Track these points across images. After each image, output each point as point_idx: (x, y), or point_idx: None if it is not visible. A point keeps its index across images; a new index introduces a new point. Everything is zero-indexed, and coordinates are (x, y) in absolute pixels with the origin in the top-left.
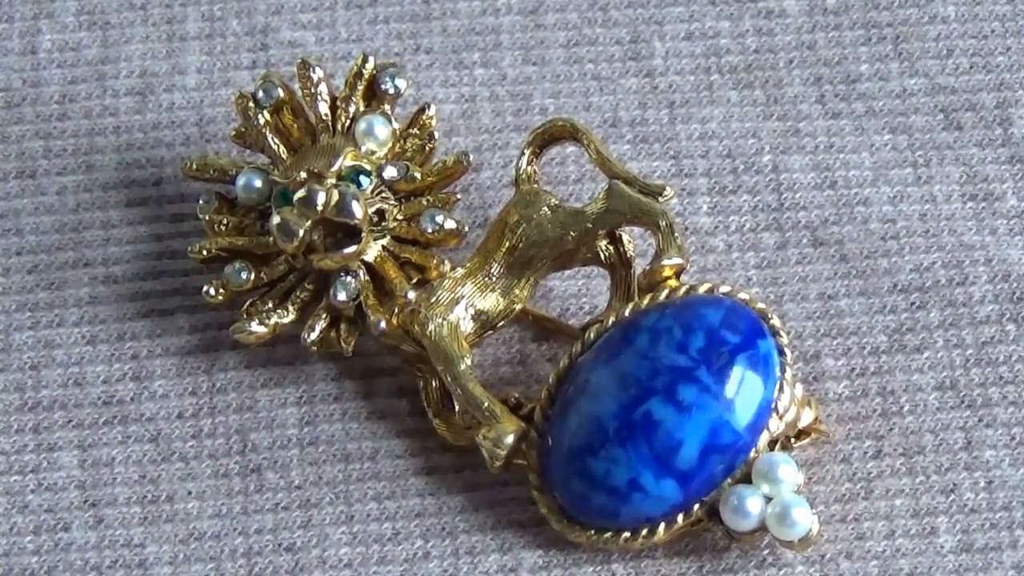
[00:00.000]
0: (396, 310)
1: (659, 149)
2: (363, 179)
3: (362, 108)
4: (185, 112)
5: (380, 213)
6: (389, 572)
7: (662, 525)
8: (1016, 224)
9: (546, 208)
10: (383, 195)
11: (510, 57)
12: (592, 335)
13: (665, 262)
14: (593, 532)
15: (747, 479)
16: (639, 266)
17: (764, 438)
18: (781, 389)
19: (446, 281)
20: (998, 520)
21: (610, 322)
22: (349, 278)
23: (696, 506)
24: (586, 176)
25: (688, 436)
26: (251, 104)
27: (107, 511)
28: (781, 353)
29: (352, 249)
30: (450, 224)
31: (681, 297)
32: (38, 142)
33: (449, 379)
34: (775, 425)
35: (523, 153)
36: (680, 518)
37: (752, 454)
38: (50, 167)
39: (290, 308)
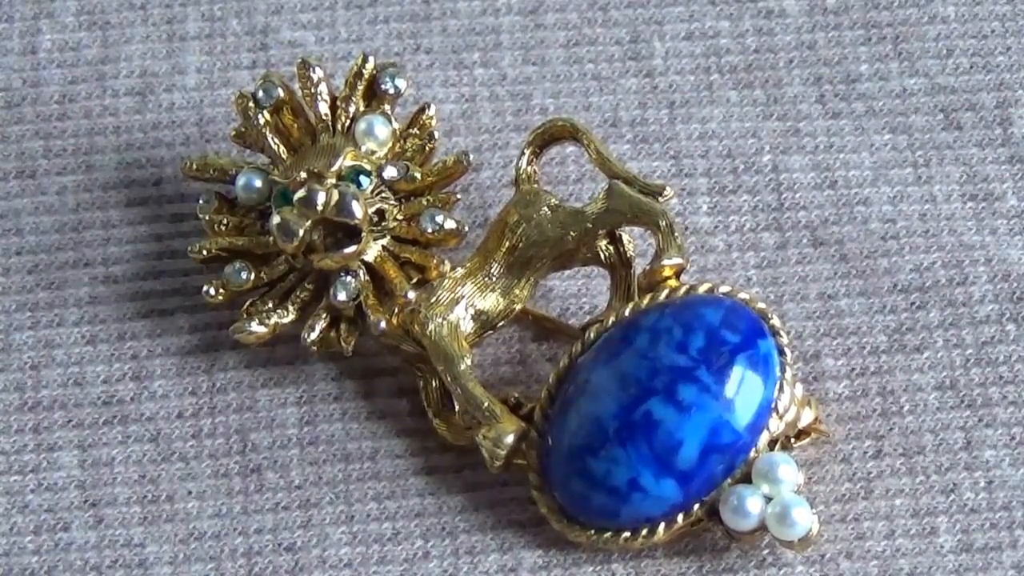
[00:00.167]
0: (396, 310)
1: (659, 149)
2: (363, 179)
3: (362, 108)
4: (185, 112)
5: (380, 213)
6: (389, 572)
7: (662, 525)
8: (1016, 224)
9: (546, 208)
10: (383, 195)
11: (510, 57)
12: (592, 335)
13: (665, 262)
14: (593, 532)
15: (747, 479)
16: (639, 266)
17: (764, 438)
18: (781, 389)
19: (446, 281)
20: (998, 520)
21: (610, 322)
22: (349, 278)
23: (696, 506)
24: (586, 176)
25: (688, 436)
26: (251, 104)
27: (107, 511)
28: (781, 353)
29: (352, 249)
30: (450, 224)
31: (681, 297)
32: (38, 142)
33: (449, 379)
34: (775, 425)
35: (523, 153)
36: (680, 518)
37: (752, 454)
38: (50, 167)
39: (290, 308)
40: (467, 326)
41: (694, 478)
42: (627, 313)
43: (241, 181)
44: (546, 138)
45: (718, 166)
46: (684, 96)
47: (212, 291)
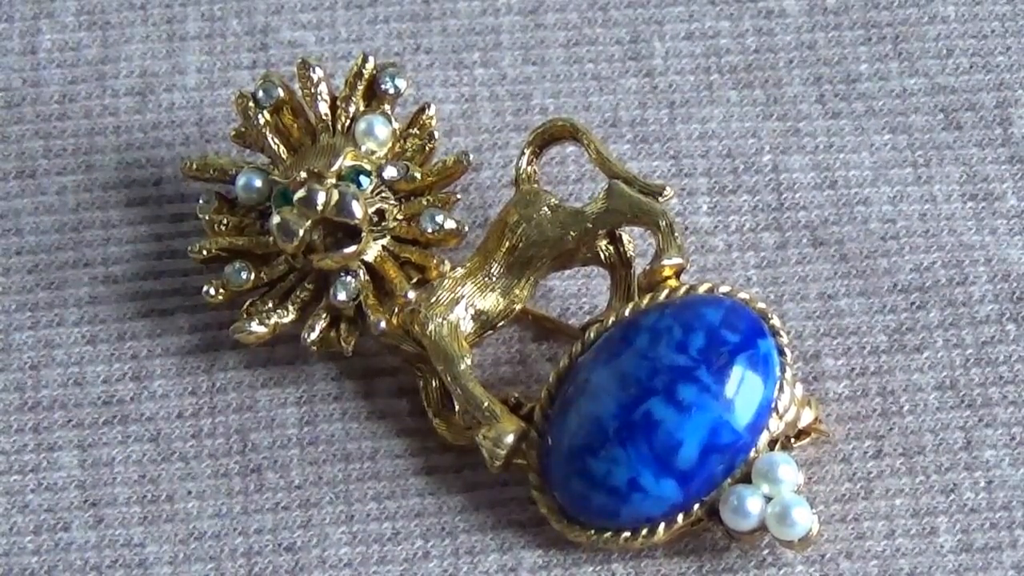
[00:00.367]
0: (396, 310)
1: (659, 149)
2: (363, 179)
3: (362, 108)
4: (185, 112)
5: (380, 213)
6: (389, 572)
7: (662, 525)
8: (1016, 224)
9: (546, 208)
10: (383, 195)
11: (510, 57)
12: (592, 335)
13: (665, 262)
14: (593, 532)
15: (747, 479)
16: (639, 266)
17: (764, 438)
18: (781, 389)
19: (446, 281)
20: (998, 520)
21: (610, 322)
22: (349, 278)
23: (696, 506)
24: (586, 176)
25: (688, 436)
26: (251, 104)
27: (107, 511)
28: (781, 353)
29: (352, 249)
30: (450, 224)
31: (681, 297)
32: (38, 142)
33: (449, 379)
34: (775, 425)
35: (523, 153)
36: (680, 518)
37: (752, 454)
38: (50, 167)
39: (290, 308)
40: (467, 326)
41: (694, 478)
42: (627, 313)
43: (241, 181)
44: (546, 138)
45: (718, 166)
46: (684, 96)
47: (212, 291)
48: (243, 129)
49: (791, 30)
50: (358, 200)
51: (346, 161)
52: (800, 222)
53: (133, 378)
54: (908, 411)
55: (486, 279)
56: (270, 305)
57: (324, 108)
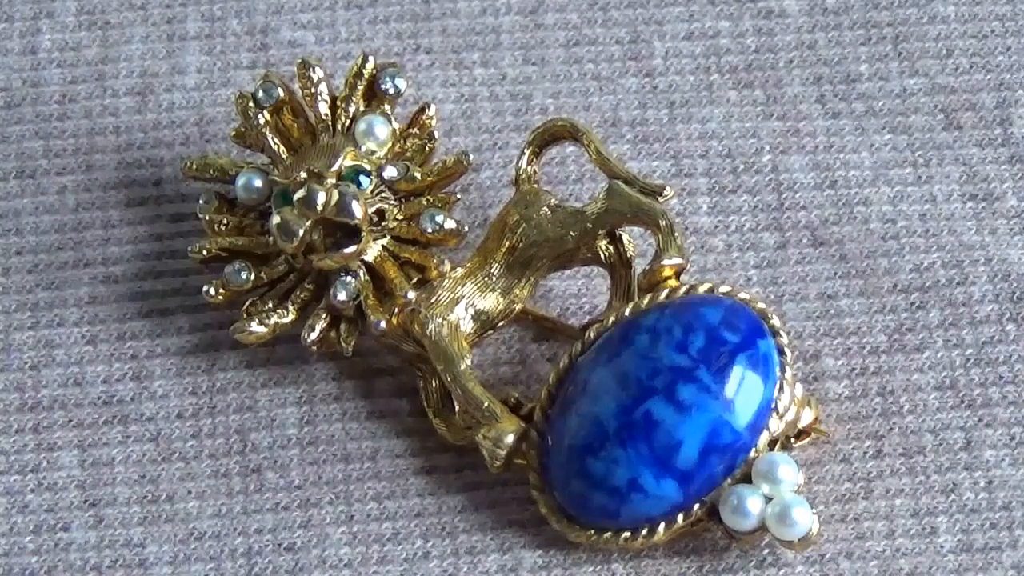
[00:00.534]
0: (396, 310)
1: (659, 149)
2: (363, 179)
3: (362, 108)
4: (185, 112)
5: (380, 213)
6: (389, 572)
7: (662, 525)
8: (1016, 224)
9: (546, 208)
10: (383, 195)
11: (510, 57)
12: (592, 335)
13: (665, 262)
14: (593, 532)
15: (747, 479)
16: (639, 266)
17: (764, 438)
18: (781, 389)
19: (446, 281)
20: (998, 520)
21: (610, 322)
22: (349, 278)
23: (696, 506)
24: (586, 176)
25: (688, 436)
26: (251, 104)
27: (107, 511)
28: (781, 353)
29: (352, 249)
30: (450, 224)
31: (681, 297)
32: (38, 142)
33: (449, 379)
34: (775, 425)
35: (523, 153)
36: (680, 518)
37: (752, 454)
38: (50, 167)
39: (290, 308)
40: (467, 326)
41: (694, 478)
42: (627, 313)
43: (241, 181)
44: (546, 138)
45: (718, 166)
46: (684, 96)
47: (212, 291)
48: (243, 129)
49: (791, 30)
50: (358, 200)
51: (346, 161)
52: (800, 222)
53: (133, 378)
54: (908, 411)
55: (486, 279)
56: (270, 305)
57: (324, 108)
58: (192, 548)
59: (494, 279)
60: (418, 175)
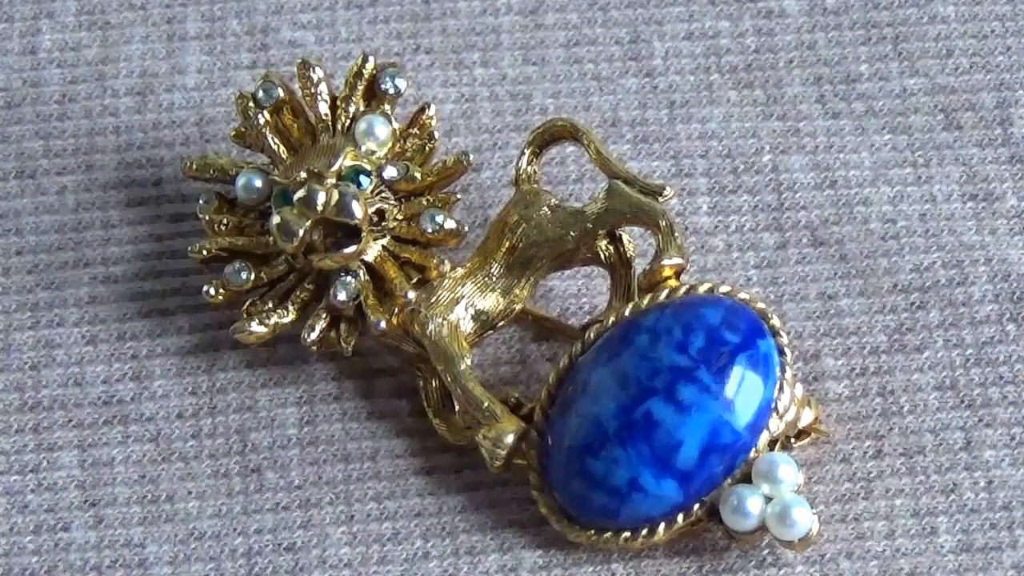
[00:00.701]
0: (396, 310)
1: (659, 149)
2: (363, 179)
3: (362, 108)
4: (185, 112)
5: (380, 213)
6: (389, 572)
7: (662, 525)
8: (1016, 224)
9: (546, 208)
10: (383, 195)
11: (510, 57)
12: (592, 335)
13: (665, 262)
14: (593, 532)
15: (747, 479)
16: (639, 266)
17: (764, 438)
18: (781, 389)
19: (446, 281)
20: (998, 520)
21: (610, 322)
22: (349, 278)
23: (696, 506)
24: (586, 176)
25: (688, 436)
26: (251, 104)
27: (107, 511)
28: (781, 353)
29: (352, 249)
30: (450, 224)
31: (681, 297)
32: (38, 142)
33: (449, 379)
34: (775, 425)
35: (523, 153)
36: (680, 518)
37: (752, 454)
38: (50, 167)
39: (290, 308)
40: (467, 326)
41: (694, 478)
42: (627, 313)
43: (241, 181)
44: (546, 138)
45: (718, 166)
46: (684, 96)
47: (212, 291)
48: (243, 129)
49: (791, 30)
50: (358, 200)
51: (346, 161)
52: (800, 222)
53: (133, 378)
54: (908, 411)
55: (486, 279)
56: (270, 305)
57: (324, 108)
58: (192, 548)
59: (494, 279)
60: (418, 175)
